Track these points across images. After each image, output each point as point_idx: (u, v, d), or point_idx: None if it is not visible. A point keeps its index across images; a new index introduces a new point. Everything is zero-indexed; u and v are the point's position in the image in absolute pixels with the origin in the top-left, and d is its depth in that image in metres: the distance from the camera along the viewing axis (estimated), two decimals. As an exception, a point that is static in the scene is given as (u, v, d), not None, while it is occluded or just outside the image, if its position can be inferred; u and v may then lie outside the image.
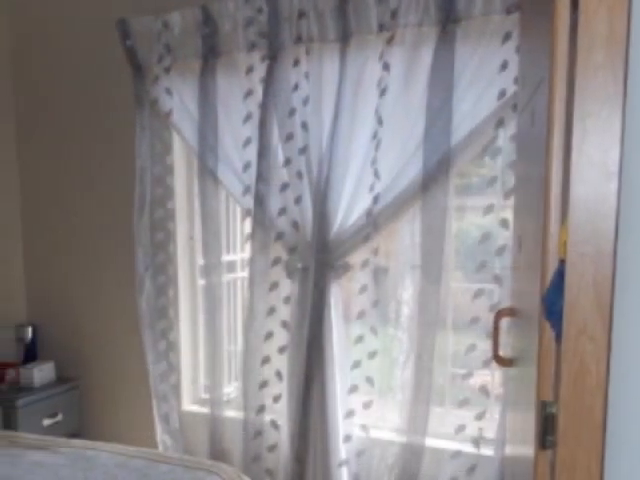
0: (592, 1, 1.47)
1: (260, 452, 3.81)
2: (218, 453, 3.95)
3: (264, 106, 3.58)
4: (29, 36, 4.49)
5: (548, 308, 1.63)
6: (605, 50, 1.47)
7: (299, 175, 3.53)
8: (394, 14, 3.19)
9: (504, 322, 2.63)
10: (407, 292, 3.43)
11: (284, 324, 3.71)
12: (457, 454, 3.37)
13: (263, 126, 3.60)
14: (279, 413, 3.77)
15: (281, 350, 3.73)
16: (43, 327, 4.59)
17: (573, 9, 1.54)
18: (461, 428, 3.36)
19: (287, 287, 3.70)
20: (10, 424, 4.00)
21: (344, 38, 3.34)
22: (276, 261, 3.70)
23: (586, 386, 1.55)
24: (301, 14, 3.41)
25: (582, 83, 1.50)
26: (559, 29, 1.60)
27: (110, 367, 4.46)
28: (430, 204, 3.26)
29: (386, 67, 3.26)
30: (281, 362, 3.73)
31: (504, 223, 3.14)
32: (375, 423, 3.60)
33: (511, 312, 2.63)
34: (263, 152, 3.62)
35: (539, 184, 1.78)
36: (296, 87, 3.50)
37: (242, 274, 4.14)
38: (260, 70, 3.61)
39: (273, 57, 3.53)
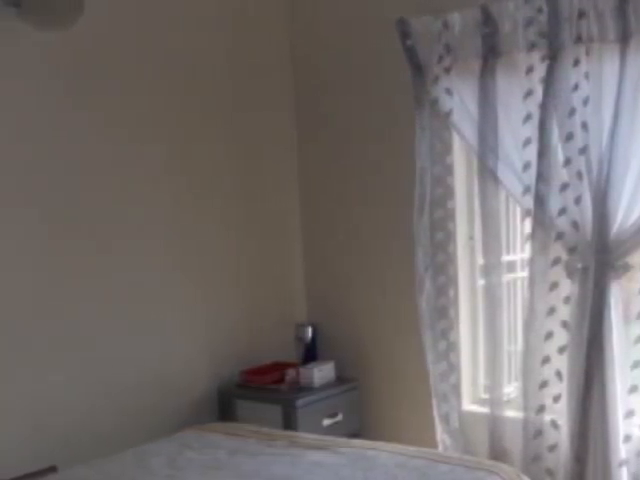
0: None
1: (540, 452, 4.30)
2: (498, 453, 4.47)
3: (544, 106, 4.14)
4: (308, 37, 5.31)
5: None
6: None
7: (579, 175, 4.06)
8: (674, 14, 3.72)
9: None
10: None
11: (564, 324, 4.20)
12: None
13: (543, 126, 4.15)
14: (559, 413, 4.25)
15: (561, 350, 4.22)
16: (323, 327, 5.30)
17: None
18: None
19: (567, 287, 4.18)
20: (290, 424, 4.61)
21: (624, 38, 3.86)
22: (556, 261, 4.21)
23: None
24: (581, 14, 3.94)
25: None
26: None
27: (389, 367, 5.09)
28: None
29: (665, 67, 3.77)
30: (561, 362, 4.21)
31: None
32: (655, 423, 3.97)
33: None
34: (543, 152, 4.16)
35: None
36: (576, 87, 4.04)
37: (522, 274, 4.68)
38: (540, 70, 4.17)
39: (553, 57, 4.08)
